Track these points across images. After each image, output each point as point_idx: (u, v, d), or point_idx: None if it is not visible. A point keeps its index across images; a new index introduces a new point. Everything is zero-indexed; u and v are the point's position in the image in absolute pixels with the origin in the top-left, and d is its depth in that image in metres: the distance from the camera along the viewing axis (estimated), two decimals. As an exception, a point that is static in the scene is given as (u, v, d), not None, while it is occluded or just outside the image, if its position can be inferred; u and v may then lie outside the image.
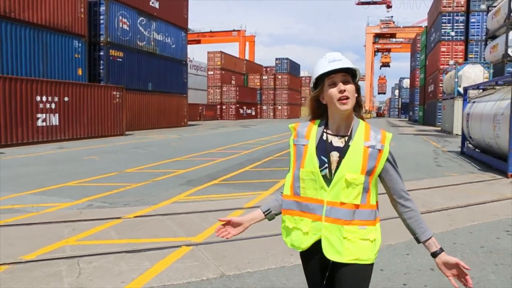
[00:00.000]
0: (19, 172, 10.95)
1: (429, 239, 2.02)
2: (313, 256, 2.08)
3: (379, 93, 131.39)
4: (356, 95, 2.03)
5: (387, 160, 2.03)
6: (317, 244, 2.02)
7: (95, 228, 5.76)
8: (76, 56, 25.22)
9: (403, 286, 3.99)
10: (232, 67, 75.59)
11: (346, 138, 2.05)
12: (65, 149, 17.14)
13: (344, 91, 1.97)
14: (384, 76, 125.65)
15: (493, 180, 10.33)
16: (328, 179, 2.00)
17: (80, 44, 25.41)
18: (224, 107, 70.47)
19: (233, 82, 74.26)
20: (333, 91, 1.99)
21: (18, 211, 6.83)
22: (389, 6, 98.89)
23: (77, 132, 21.94)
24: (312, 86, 2.11)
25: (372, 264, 2.04)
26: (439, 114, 40.08)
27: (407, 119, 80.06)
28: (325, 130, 2.09)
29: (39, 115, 19.53)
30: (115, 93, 25.22)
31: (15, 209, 6.97)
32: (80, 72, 25.47)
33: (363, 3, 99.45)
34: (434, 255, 2.00)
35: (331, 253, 1.99)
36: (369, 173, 1.99)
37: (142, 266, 4.40)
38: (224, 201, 7.62)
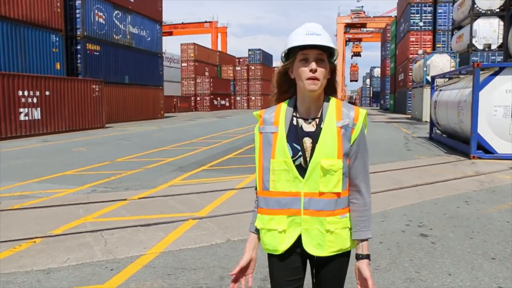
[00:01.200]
0: (14, 164, 11.43)
1: (362, 240, 1.89)
2: (289, 254, 1.91)
3: (351, 81, 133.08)
4: (329, 76, 1.89)
5: (356, 139, 1.86)
6: (296, 240, 1.89)
7: (106, 208, 6.45)
8: (54, 50, 25.38)
9: (379, 244, 4.83)
10: (205, 58, 75.80)
11: (317, 120, 1.89)
12: (50, 142, 17.54)
13: (316, 71, 1.80)
14: (356, 64, 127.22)
15: (457, 161, 11.35)
16: (303, 169, 1.85)
17: (57, 39, 25.57)
18: (198, 98, 70.80)
19: (206, 73, 74.52)
20: (303, 69, 1.82)
21: (29, 196, 7.43)
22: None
23: (58, 126, 22.25)
24: (282, 55, 1.94)
25: (349, 252, 1.95)
26: (409, 102, 41.46)
27: (378, 108, 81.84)
28: (294, 114, 1.92)
29: (21, 110, 19.80)
30: (94, 86, 25.53)
31: (25, 195, 7.56)
32: (58, 66, 25.66)
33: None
34: (357, 257, 1.88)
35: (313, 248, 1.86)
36: (346, 155, 1.85)
37: (158, 236, 5.12)
38: (217, 184, 8.37)
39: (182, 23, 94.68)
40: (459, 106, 12.77)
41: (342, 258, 1.92)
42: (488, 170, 9.80)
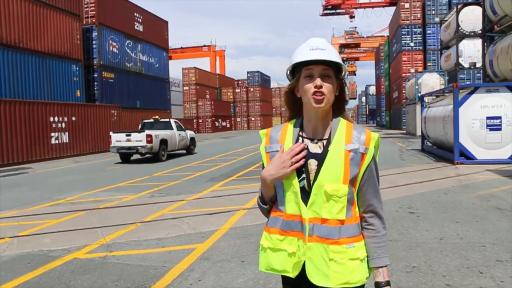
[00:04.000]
0: (67, 179, 13.46)
1: (381, 267, 1.80)
2: (297, 282, 1.85)
3: (350, 99, 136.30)
4: (337, 93, 1.83)
5: (369, 166, 1.80)
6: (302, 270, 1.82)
7: (173, 205, 8.51)
8: (75, 79, 27.58)
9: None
10: (206, 81, 78.25)
11: (325, 142, 1.81)
12: (82, 163, 19.57)
13: (321, 87, 1.74)
14: (354, 82, 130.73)
15: (443, 167, 13.46)
16: (306, 192, 1.78)
17: (77, 68, 27.81)
18: (200, 120, 73.05)
19: (207, 96, 76.89)
20: (308, 85, 1.76)
21: (103, 201, 9.46)
22: (352, 16, 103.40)
23: (83, 148, 24.33)
24: (288, 74, 1.88)
25: (363, 285, 1.83)
26: (403, 118, 43.69)
27: (375, 125, 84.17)
28: (300, 133, 1.86)
29: (52, 134, 21.91)
30: (113, 111, 27.74)
31: (99, 200, 9.59)
32: (78, 93, 27.83)
33: (327, 14, 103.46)
34: (378, 285, 1.79)
35: (317, 278, 1.77)
36: (352, 182, 1.77)
37: (223, 220, 7.17)
38: (249, 188, 10.43)
39: (181, 48, 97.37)
40: (444, 121, 14.93)
41: None
42: (467, 172, 11.91)
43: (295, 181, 1.78)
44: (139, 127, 21.30)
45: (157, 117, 21.95)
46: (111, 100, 31.19)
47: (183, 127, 22.61)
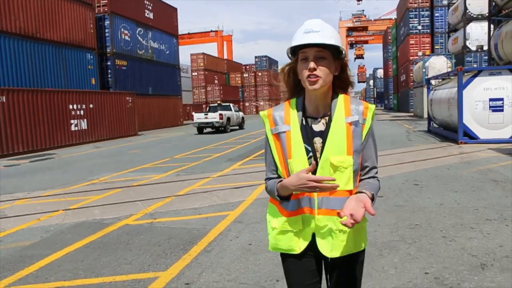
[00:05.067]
0: (94, 163, 14.38)
1: (364, 192, 1.80)
2: (304, 257, 1.93)
3: (359, 82, 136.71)
4: (338, 73, 1.87)
5: (368, 133, 1.89)
6: (311, 241, 1.90)
7: (200, 182, 9.40)
8: (89, 67, 28.45)
9: (388, 189, 7.71)
10: (214, 67, 78.91)
11: (327, 118, 1.87)
12: (102, 148, 20.52)
13: (314, 69, 1.77)
14: (364, 66, 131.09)
15: (448, 146, 14.24)
16: (314, 169, 1.81)
17: (92, 57, 28.66)
18: (209, 105, 73.93)
19: (216, 81, 77.64)
20: (302, 68, 1.81)
21: (135, 179, 10.36)
22: (359, 0, 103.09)
23: (101, 134, 25.29)
24: (289, 55, 1.92)
25: (364, 251, 1.96)
26: (411, 101, 44.26)
27: (383, 108, 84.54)
28: (304, 113, 1.90)
29: (72, 121, 22.85)
30: (128, 98, 28.62)
31: (130, 179, 10.49)
32: (93, 81, 28.73)
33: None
34: (357, 192, 1.80)
35: (327, 249, 1.87)
36: (357, 152, 1.84)
37: (247, 192, 8.03)
38: (266, 167, 11.27)
39: (189, 33, 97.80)
40: (449, 103, 15.66)
41: (356, 259, 1.93)
42: (470, 150, 12.70)
43: (305, 159, 1.84)
44: (207, 109, 30.86)
45: (219, 102, 34.03)
46: (124, 87, 32.08)
47: (238, 109, 31.13)
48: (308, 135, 1.86)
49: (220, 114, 26.52)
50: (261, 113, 2.01)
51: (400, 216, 5.85)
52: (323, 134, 1.85)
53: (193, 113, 29.11)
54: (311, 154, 1.84)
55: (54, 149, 20.92)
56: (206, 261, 4.53)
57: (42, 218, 6.82)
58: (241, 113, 31.19)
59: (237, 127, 30.24)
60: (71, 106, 22.84)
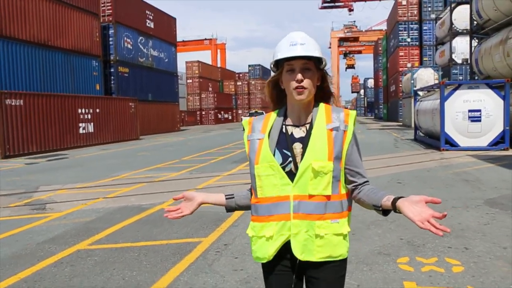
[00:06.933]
0: (108, 163, 15.71)
1: (388, 196, 1.83)
2: (279, 262, 1.93)
3: (352, 92, 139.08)
4: (319, 83, 1.92)
5: (351, 141, 1.89)
6: (285, 246, 1.88)
7: (213, 179, 10.80)
8: (95, 74, 29.82)
9: (376, 186, 9.19)
10: (208, 75, 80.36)
11: (308, 126, 1.92)
12: (110, 150, 21.84)
13: (302, 81, 1.83)
14: (357, 76, 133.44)
15: (431, 152, 15.78)
16: (293, 174, 1.86)
17: (97, 64, 30.03)
18: (203, 112, 75.33)
19: (210, 89, 79.11)
20: (289, 79, 1.86)
21: (153, 177, 11.72)
22: (350, 10, 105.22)
23: (106, 137, 26.63)
24: (272, 66, 1.97)
25: (345, 259, 1.93)
26: (400, 111, 45.96)
27: (373, 117, 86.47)
28: (284, 122, 1.96)
29: (80, 124, 24.19)
30: (131, 104, 30.03)
31: (149, 177, 11.86)
32: (98, 87, 30.08)
33: (326, 7, 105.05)
34: (395, 200, 1.78)
35: (300, 253, 1.86)
36: (337, 158, 1.85)
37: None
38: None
39: (183, 41, 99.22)
40: (433, 113, 17.22)
41: (335, 267, 1.90)
42: (450, 156, 14.22)
43: (274, 164, 1.86)
44: (248, 115, 41.09)
45: (256, 110, 45.63)
46: (126, 93, 33.42)
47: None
48: (287, 140, 1.90)
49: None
50: (243, 121, 2.12)
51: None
52: (304, 140, 1.89)
53: (242, 117, 37.71)
54: (290, 159, 1.87)
55: (64, 150, 22.23)
56: (236, 232, 5.95)
57: (89, 203, 8.20)
58: None
59: None
60: (79, 110, 24.19)
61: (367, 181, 1.94)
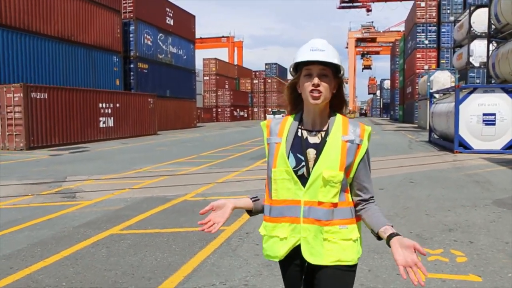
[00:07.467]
0: (128, 157, 16.24)
1: (387, 226, 1.89)
2: (292, 262, 2.02)
3: (369, 93, 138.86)
4: (335, 91, 1.98)
5: (364, 156, 1.95)
6: (296, 249, 1.96)
7: (233, 174, 11.26)
8: (115, 69, 30.54)
9: (388, 184, 9.54)
10: (225, 72, 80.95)
11: (323, 133, 1.97)
12: (129, 144, 22.44)
13: (318, 85, 1.90)
14: (374, 77, 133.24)
15: (444, 154, 16.05)
16: (305, 179, 1.92)
17: (117, 59, 30.75)
18: (219, 110, 75.96)
19: (226, 86, 79.69)
20: (307, 83, 1.92)
21: (174, 170, 12.20)
22: (368, 10, 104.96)
23: (125, 132, 27.27)
24: (291, 70, 2.05)
25: (355, 265, 1.97)
26: (416, 113, 45.99)
27: (388, 118, 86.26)
28: (300, 126, 2.02)
29: (101, 118, 24.84)
30: (150, 99, 30.63)
31: (170, 170, 12.35)
32: (117, 82, 30.80)
33: (344, 7, 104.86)
34: (391, 236, 1.84)
35: (310, 256, 1.93)
36: (347, 169, 1.92)
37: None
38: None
39: (201, 38, 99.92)
40: (447, 116, 17.48)
41: (344, 271, 1.94)
42: (463, 158, 14.50)
43: (289, 169, 1.93)
44: (271, 113, 56.58)
45: (278, 109, 56.88)
46: (145, 89, 34.07)
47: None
48: (302, 145, 1.96)
49: (283, 115, 35.85)
50: (261, 122, 2.15)
51: (396, 201, 7.69)
52: (318, 147, 1.94)
53: (267, 114, 47.16)
54: (303, 163, 1.93)
55: (84, 143, 22.87)
56: (256, 222, 6.36)
57: (116, 193, 8.71)
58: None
59: None
60: (100, 105, 24.83)
61: (372, 197, 2.00)
